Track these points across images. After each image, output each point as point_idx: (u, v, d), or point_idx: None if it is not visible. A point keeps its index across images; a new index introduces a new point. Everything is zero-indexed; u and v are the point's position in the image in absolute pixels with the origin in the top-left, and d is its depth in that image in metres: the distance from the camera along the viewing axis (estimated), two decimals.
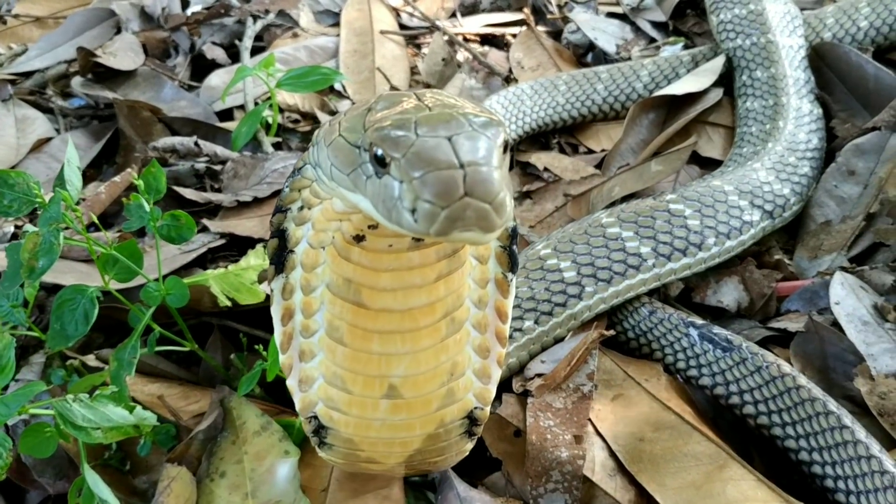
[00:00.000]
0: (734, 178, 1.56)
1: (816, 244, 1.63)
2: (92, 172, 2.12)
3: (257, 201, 1.69)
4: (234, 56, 2.45)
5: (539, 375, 1.32)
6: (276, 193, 1.72)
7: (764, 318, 1.52)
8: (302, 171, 0.89)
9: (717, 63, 1.99)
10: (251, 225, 1.60)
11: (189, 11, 2.69)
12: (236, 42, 2.45)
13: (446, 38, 2.39)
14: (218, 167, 1.81)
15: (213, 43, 2.49)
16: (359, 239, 0.84)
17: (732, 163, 1.73)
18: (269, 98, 1.99)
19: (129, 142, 2.12)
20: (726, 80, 2.01)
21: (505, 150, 0.71)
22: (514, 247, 0.95)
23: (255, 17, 2.48)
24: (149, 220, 1.23)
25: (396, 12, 2.56)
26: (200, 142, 1.85)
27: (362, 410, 0.96)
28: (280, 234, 0.93)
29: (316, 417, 1.00)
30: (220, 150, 1.85)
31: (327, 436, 1.01)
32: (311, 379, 0.97)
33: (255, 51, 2.46)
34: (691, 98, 1.93)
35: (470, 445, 1.07)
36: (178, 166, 1.83)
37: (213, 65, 2.44)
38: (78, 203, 1.86)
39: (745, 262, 1.55)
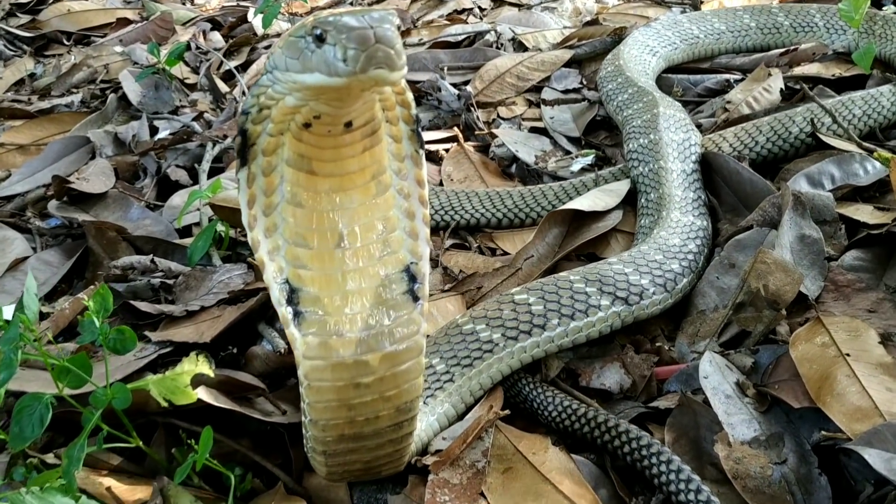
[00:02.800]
0: (584, 270, 1.83)
1: (694, 331, 1.85)
2: (64, 287, 2.35)
3: (203, 309, 1.92)
4: (196, 177, 2.72)
5: (438, 452, 1.52)
6: (221, 302, 1.95)
7: (647, 399, 1.73)
8: (259, 81, 1.20)
9: (622, 187, 2.27)
10: (188, 332, 1.83)
11: (157, 137, 2.99)
12: (198, 165, 2.73)
13: None
14: (171, 281, 2.05)
15: (177, 166, 2.77)
16: (307, 126, 1.18)
17: None
18: None
19: (97, 258, 2.35)
20: (633, 200, 2.27)
21: (399, 29, 1.07)
22: (420, 128, 1.30)
23: (214, 143, 2.77)
24: (98, 335, 1.45)
25: None
26: (156, 259, 2.09)
27: (322, 262, 1.23)
28: (243, 132, 1.23)
29: (287, 281, 1.25)
30: (174, 266, 2.09)
31: (299, 300, 1.24)
32: (278, 247, 1.25)
33: (216, 171, 2.73)
34: (595, 214, 2.18)
35: (419, 320, 1.27)
36: (136, 282, 2.06)
37: (178, 185, 2.71)
38: (46, 317, 2.08)
39: (626, 349, 1.78)
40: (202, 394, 1.54)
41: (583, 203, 2.17)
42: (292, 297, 1.24)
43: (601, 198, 2.22)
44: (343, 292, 1.23)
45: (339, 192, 1.22)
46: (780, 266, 1.78)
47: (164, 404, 1.47)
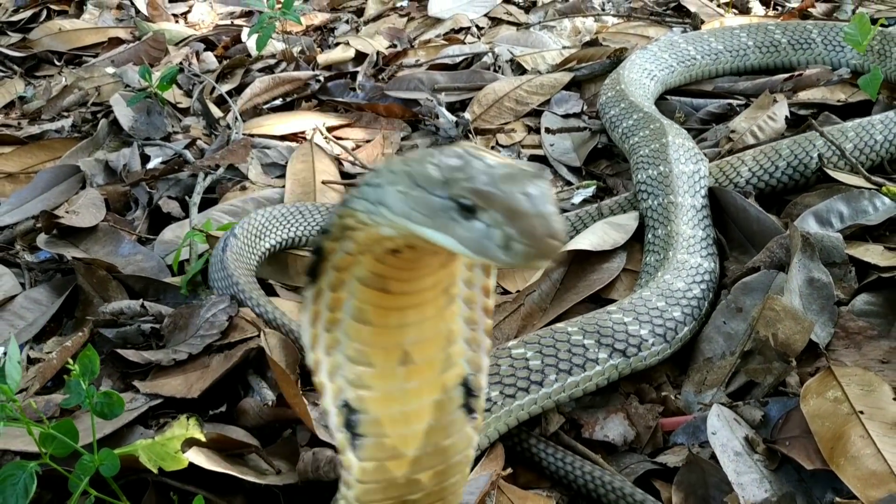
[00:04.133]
0: (583, 320, 1.77)
1: (700, 379, 1.80)
2: (53, 326, 2.29)
3: (191, 358, 1.86)
4: (188, 208, 2.66)
5: None
6: (208, 348, 1.88)
7: (653, 451, 1.67)
8: (349, 203, 1.04)
9: (631, 221, 2.19)
10: (176, 384, 1.77)
11: (149, 165, 2.93)
12: (188, 197, 2.67)
13: None
14: (160, 325, 1.99)
15: (169, 197, 2.71)
16: (395, 252, 1.04)
17: None
18: None
19: (87, 297, 2.29)
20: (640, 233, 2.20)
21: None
22: None
23: (206, 173, 2.71)
24: (84, 399, 1.40)
25: (339, 161, 2.80)
26: (146, 303, 2.03)
27: (384, 381, 1.12)
28: (318, 251, 1.09)
29: (346, 404, 1.13)
30: (165, 310, 2.03)
31: (358, 424, 1.13)
32: (338, 366, 1.13)
33: (209, 202, 2.67)
34: (601, 253, 2.12)
35: (472, 435, 1.17)
36: (126, 327, 2.00)
37: (169, 217, 2.65)
38: (34, 362, 2.01)
39: (630, 398, 1.72)
40: (194, 456, 1.49)
41: (591, 240, 2.11)
42: (350, 420, 1.14)
43: (608, 233, 2.16)
44: (404, 412, 1.13)
45: (410, 308, 1.10)
46: (790, 314, 1.73)
47: (154, 470, 1.42)
